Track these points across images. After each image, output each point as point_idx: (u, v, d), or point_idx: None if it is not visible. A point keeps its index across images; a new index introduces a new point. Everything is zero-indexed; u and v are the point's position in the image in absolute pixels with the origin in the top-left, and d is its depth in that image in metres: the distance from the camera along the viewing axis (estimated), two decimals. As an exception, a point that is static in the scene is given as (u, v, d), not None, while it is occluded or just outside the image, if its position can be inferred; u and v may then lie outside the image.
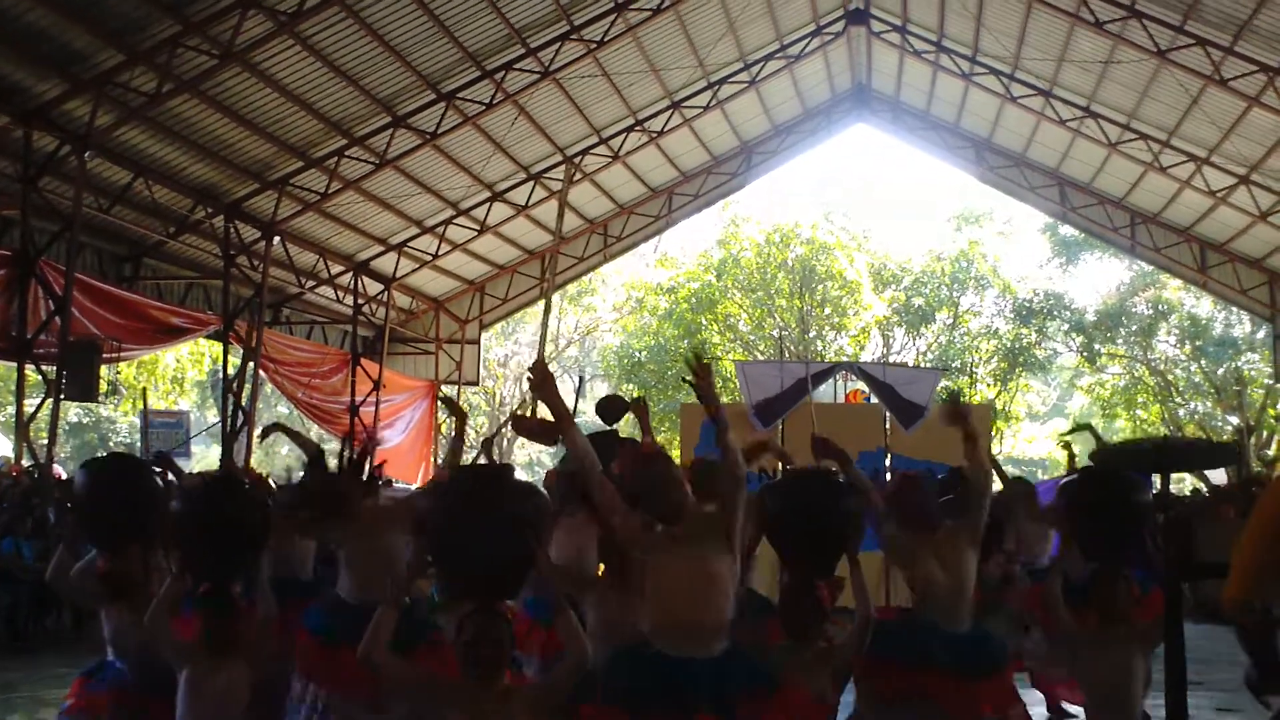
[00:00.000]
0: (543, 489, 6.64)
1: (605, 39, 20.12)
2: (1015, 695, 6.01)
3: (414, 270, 25.88)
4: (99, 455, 9.37)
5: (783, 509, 5.85)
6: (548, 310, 7.65)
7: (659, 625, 4.68)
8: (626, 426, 10.52)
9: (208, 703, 5.45)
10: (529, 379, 4.98)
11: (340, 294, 24.65)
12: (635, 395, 6.67)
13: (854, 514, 5.82)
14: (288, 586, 6.96)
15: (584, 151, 24.29)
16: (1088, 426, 11.27)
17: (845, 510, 5.78)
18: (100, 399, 18.65)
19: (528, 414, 7.91)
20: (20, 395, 16.18)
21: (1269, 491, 3.54)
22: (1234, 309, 32.67)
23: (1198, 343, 35.49)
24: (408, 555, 5.82)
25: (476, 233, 25.24)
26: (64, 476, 16.75)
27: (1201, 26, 18.25)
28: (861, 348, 36.05)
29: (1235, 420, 34.99)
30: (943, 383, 29.03)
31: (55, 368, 15.78)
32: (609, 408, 7.98)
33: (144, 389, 21.40)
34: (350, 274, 24.42)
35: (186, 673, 5.47)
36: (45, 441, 16.49)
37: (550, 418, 5.22)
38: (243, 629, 5.60)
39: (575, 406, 8.23)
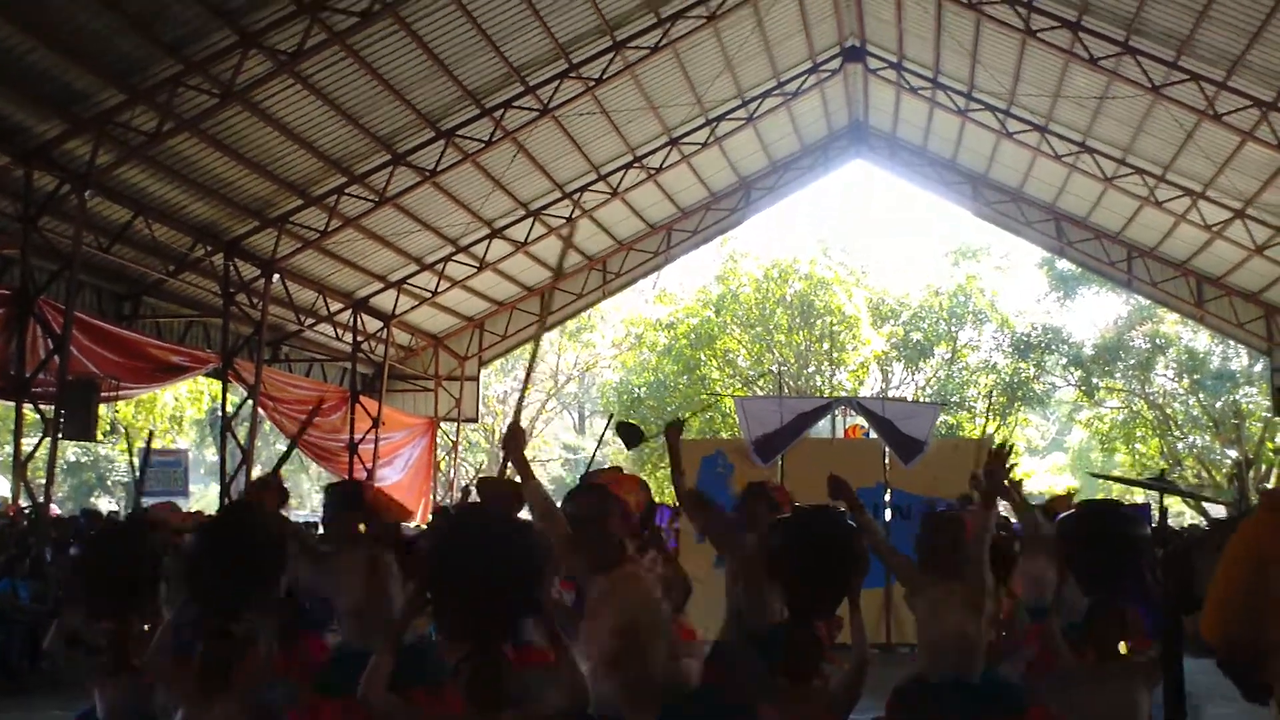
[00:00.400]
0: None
1: (604, 76, 20.20)
2: None
3: (413, 307, 25.91)
4: (95, 512, 9.40)
5: (790, 546, 5.84)
6: (530, 370, 7.70)
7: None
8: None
9: None
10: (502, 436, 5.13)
11: (339, 331, 24.68)
12: (674, 420, 6.55)
13: (861, 557, 5.82)
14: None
15: (583, 188, 24.37)
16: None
17: (854, 552, 5.78)
18: (99, 438, 18.65)
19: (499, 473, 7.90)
20: (18, 434, 16.15)
21: (1239, 530, 3.55)
22: (1231, 342, 32.75)
23: (1195, 376, 35.54)
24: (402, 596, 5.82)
25: (476, 269, 25.29)
26: (59, 514, 16.73)
27: (1195, 62, 18.34)
28: (860, 383, 36.08)
29: (1234, 453, 34.99)
30: (941, 417, 29.03)
31: (53, 407, 15.77)
32: (627, 434, 7.97)
33: (150, 433, 21.33)
34: (349, 311, 24.45)
35: (181, 713, 5.41)
36: (43, 481, 16.46)
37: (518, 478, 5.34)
38: (239, 666, 5.47)
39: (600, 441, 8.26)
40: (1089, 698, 5.90)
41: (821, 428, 21.11)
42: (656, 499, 7.65)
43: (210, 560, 5.62)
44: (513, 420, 5.45)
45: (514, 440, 5.41)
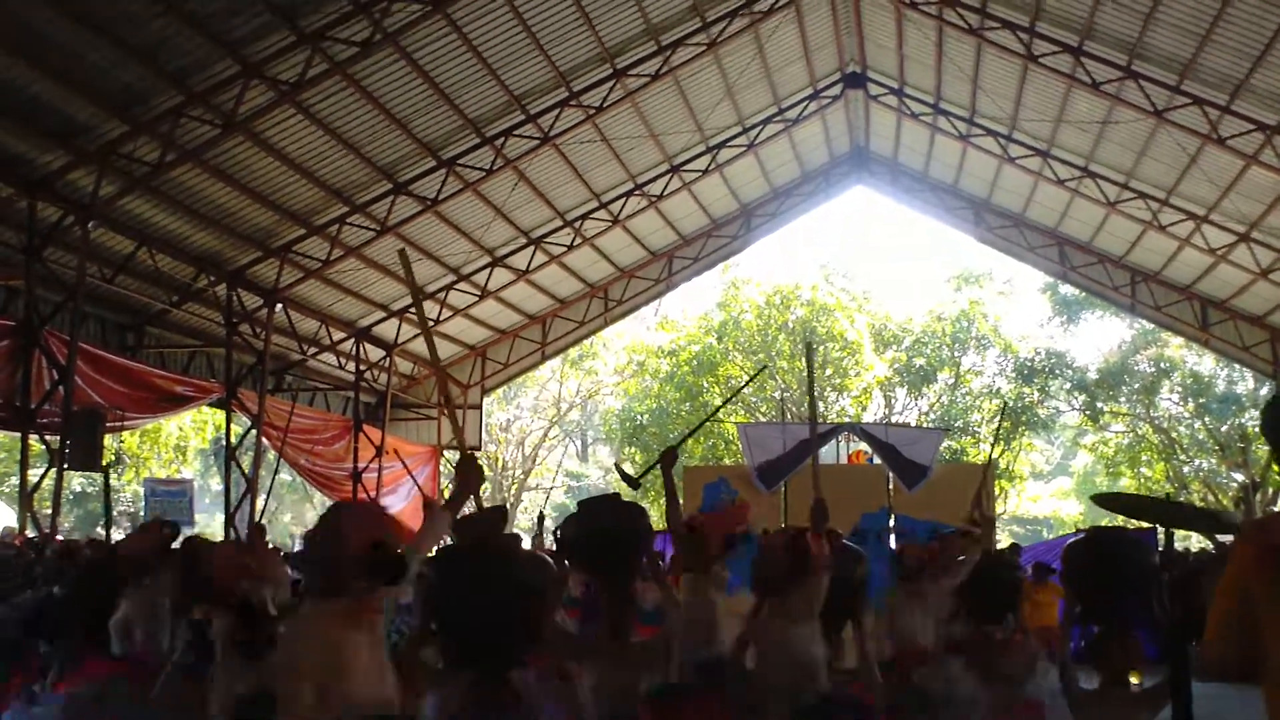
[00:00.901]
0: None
1: (604, 104, 20.26)
2: None
3: (415, 336, 25.92)
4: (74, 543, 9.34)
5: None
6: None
7: None
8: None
9: None
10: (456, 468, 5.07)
11: (342, 360, 24.68)
12: (668, 448, 6.56)
13: (862, 581, 5.82)
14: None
15: (584, 216, 24.41)
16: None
17: (853, 577, 5.78)
18: (104, 468, 18.58)
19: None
20: (24, 465, 16.15)
21: (1233, 549, 3.54)
22: (1236, 366, 32.66)
23: (1201, 400, 35.46)
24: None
25: (477, 298, 25.30)
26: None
27: (1198, 86, 18.37)
28: (864, 408, 36.04)
29: (1240, 477, 34.90)
30: (945, 442, 28.98)
31: (59, 437, 15.76)
32: (626, 479, 7.99)
33: (107, 467, 21.25)
34: (352, 340, 24.45)
35: None
36: (49, 511, 16.44)
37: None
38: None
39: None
40: None
41: (825, 453, 21.09)
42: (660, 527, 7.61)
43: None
44: (467, 454, 5.25)
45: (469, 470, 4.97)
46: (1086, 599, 6.38)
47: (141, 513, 27.05)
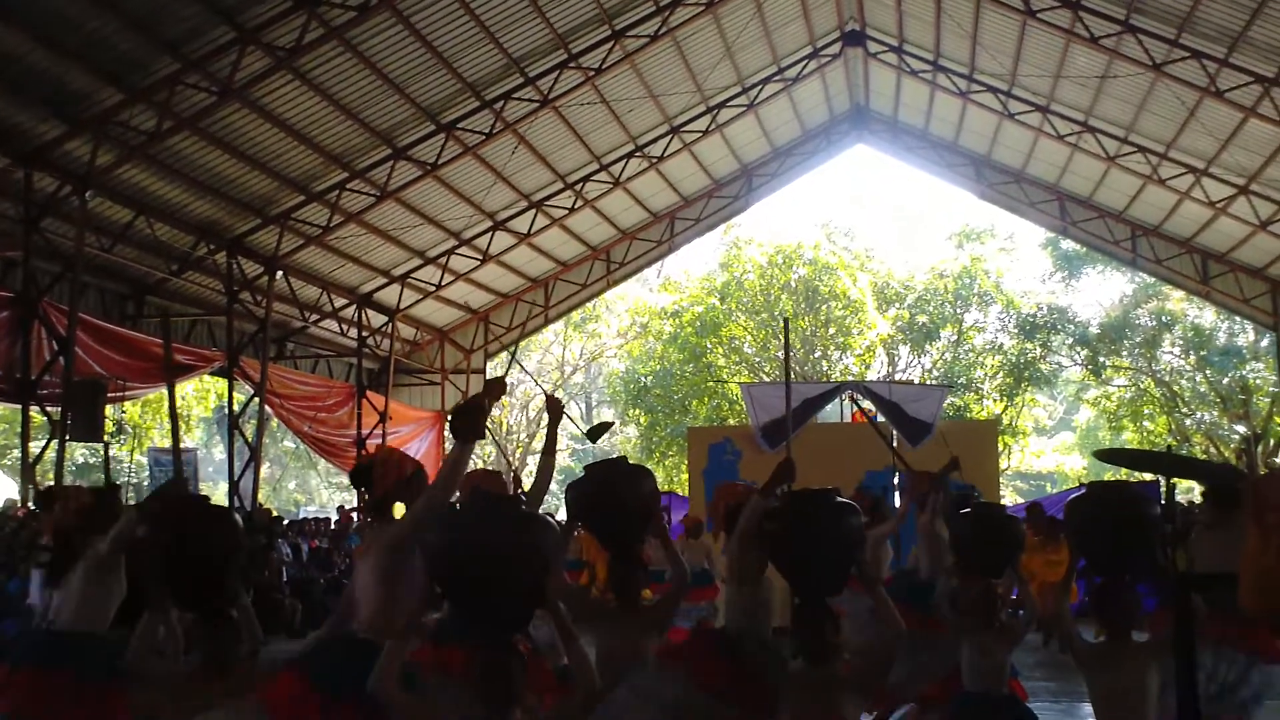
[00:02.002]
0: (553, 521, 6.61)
1: (603, 66, 20.19)
2: None
3: (417, 301, 25.93)
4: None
5: (786, 531, 5.82)
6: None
7: None
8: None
9: None
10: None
11: (344, 327, 24.67)
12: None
13: (859, 532, 5.81)
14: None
15: (585, 178, 24.37)
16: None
17: (850, 528, 5.76)
18: (105, 439, 18.61)
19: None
20: (25, 437, 16.18)
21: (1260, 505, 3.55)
22: (1237, 318, 32.67)
23: (1202, 353, 35.45)
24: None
25: (479, 262, 25.28)
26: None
27: (1196, 39, 18.29)
28: (867, 366, 36.04)
29: (1242, 429, 34.92)
30: (948, 399, 28.99)
31: (60, 408, 15.78)
32: (595, 432, 8.01)
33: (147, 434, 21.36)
34: (354, 307, 24.44)
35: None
36: (51, 482, 16.47)
37: None
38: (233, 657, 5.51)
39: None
40: (1100, 678, 5.91)
41: (829, 412, 21.10)
42: (665, 488, 7.67)
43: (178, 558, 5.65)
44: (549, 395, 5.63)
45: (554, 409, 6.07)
46: (1090, 553, 6.40)
47: (145, 483, 27.12)
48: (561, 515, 8.52)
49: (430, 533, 4.96)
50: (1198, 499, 27.34)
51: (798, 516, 5.78)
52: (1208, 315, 35.62)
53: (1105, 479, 7.57)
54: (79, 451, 36.98)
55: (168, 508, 6.07)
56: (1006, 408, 35.64)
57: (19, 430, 16.83)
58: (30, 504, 16.40)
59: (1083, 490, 7.13)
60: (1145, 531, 6.43)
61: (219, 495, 34.42)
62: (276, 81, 16.64)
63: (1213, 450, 35.54)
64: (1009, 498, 37.17)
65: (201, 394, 33.68)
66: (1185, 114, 20.48)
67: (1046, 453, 44.90)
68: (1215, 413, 36.47)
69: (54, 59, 14.16)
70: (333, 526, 22.24)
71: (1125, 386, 37.67)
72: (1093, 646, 6.05)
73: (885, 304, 36.59)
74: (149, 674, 5.62)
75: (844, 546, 5.62)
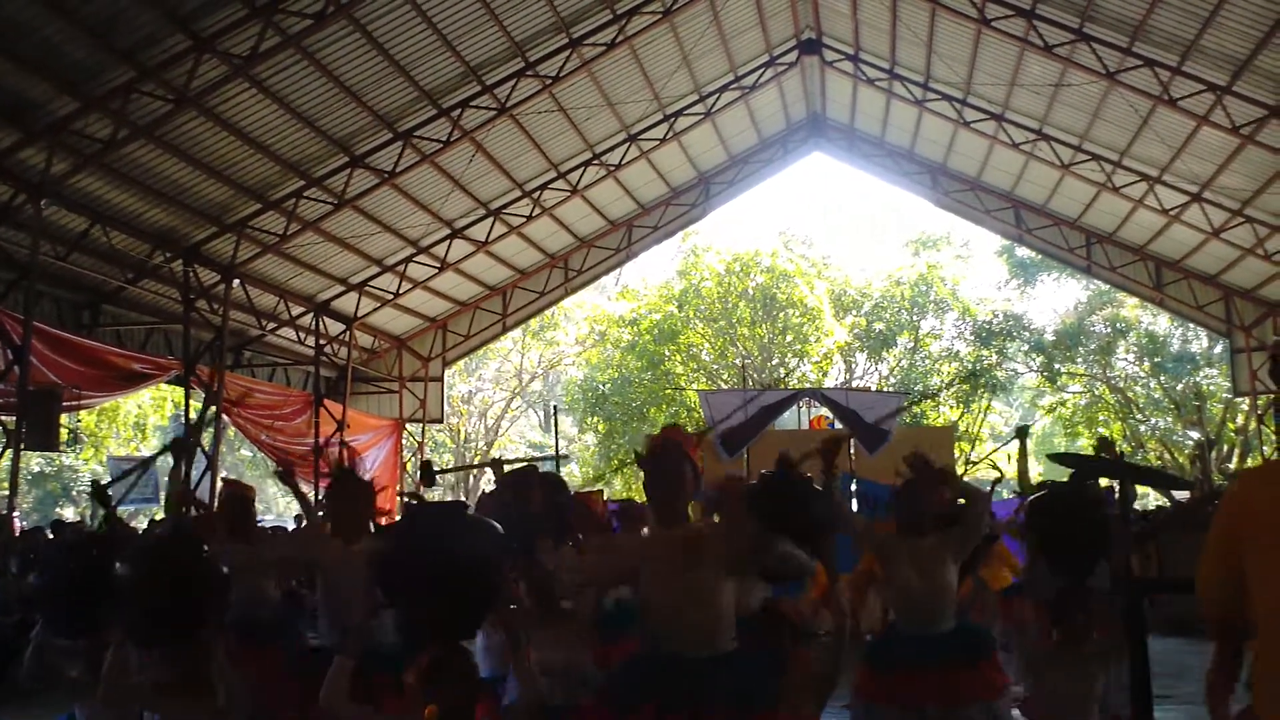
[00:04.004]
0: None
1: (560, 74, 20.20)
2: (1003, 679, 6.14)
3: (375, 309, 25.83)
4: (63, 522, 9.47)
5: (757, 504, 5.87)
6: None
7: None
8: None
9: None
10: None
11: (302, 335, 24.56)
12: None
13: (824, 516, 5.86)
14: (252, 625, 6.97)
15: (542, 186, 24.36)
16: (1023, 431, 11.34)
17: (814, 512, 5.82)
18: (61, 448, 18.49)
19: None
20: (-14, 446, 16.05)
21: (1221, 505, 3.61)
22: (1191, 325, 33.01)
23: (1156, 359, 35.83)
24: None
25: (437, 270, 25.22)
26: (23, 527, 16.58)
27: (1149, 48, 18.47)
28: (824, 374, 36.15)
29: (1196, 435, 35.28)
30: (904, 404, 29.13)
31: (14, 418, 15.65)
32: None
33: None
34: (311, 315, 24.33)
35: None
36: (6, 493, 16.34)
37: None
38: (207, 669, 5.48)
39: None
40: (1052, 679, 5.98)
41: (786, 419, 21.16)
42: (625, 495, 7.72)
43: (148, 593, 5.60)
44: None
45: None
46: (1049, 553, 6.49)
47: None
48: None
49: (381, 541, 4.96)
50: (1152, 505, 27.55)
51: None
52: (1161, 322, 36.00)
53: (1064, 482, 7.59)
54: (34, 461, 36.71)
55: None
56: (963, 414, 35.87)
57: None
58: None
59: (1044, 492, 7.20)
60: (1104, 533, 6.52)
61: (175, 505, 34.18)
62: (233, 89, 16.55)
63: (1167, 456, 35.88)
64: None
65: (158, 403, 33.45)
66: (1138, 122, 20.68)
67: (1002, 459, 45.15)
68: (1169, 419, 36.86)
69: (8, 67, 14.02)
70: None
71: (1080, 393, 38.02)
72: (1044, 652, 6.12)
73: (842, 311, 36.75)
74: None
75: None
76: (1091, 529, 6.48)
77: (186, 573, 5.57)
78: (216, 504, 7.41)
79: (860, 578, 7.42)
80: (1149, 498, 33.88)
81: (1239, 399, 30.55)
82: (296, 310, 23.85)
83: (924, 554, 6.25)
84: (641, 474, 5.02)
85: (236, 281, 21.06)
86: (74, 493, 43.29)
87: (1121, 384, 37.11)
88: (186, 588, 5.54)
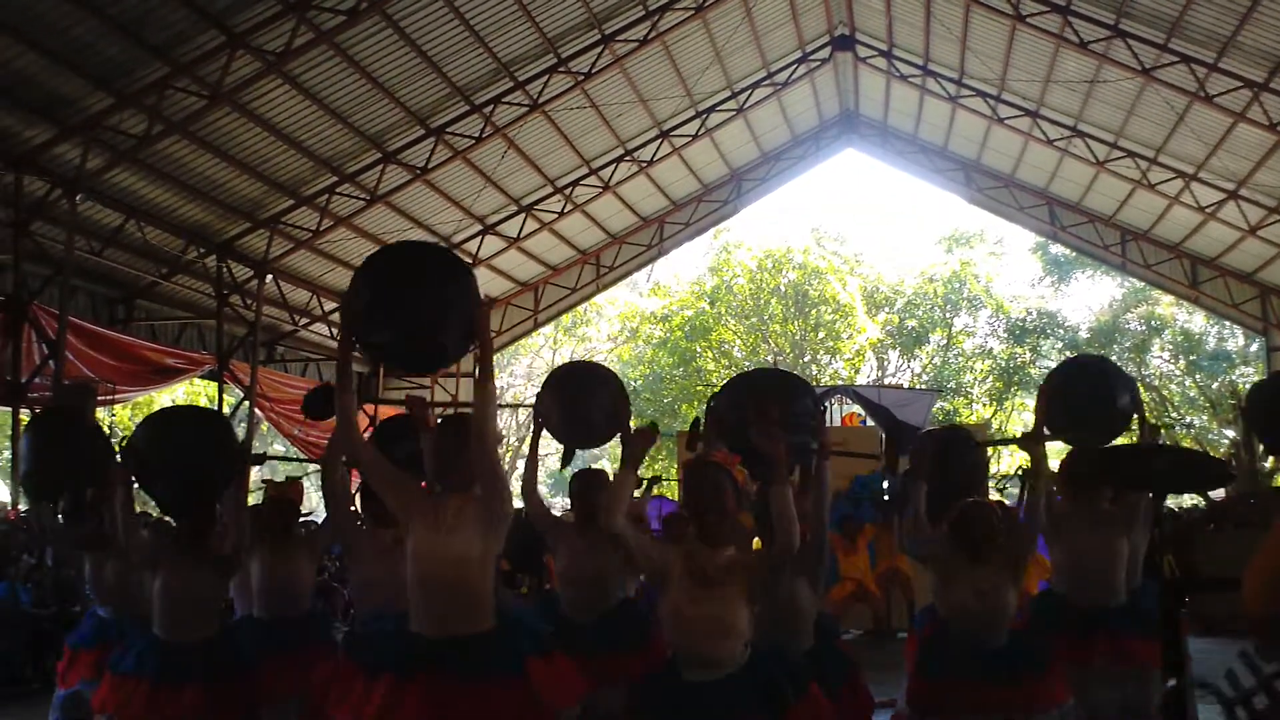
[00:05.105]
0: None
1: (593, 70, 20.19)
2: (1061, 693, 6.09)
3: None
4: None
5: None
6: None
7: None
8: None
9: (180, 600, 6.12)
10: None
11: (334, 331, 24.61)
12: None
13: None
14: (285, 624, 6.98)
15: (574, 182, 24.36)
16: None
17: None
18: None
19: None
20: (15, 440, 16.12)
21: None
22: (1227, 323, 32.77)
23: (1192, 358, 35.61)
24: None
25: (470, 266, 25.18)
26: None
27: (1185, 44, 18.32)
28: (856, 371, 36.10)
29: (1231, 434, 35.01)
30: (938, 404, 29.05)
31: (50, 412, 15.73)
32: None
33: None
34: (344, 311, 24.32)
35: (161, 577, 6.15)
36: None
37: None
38: (212, 538, 6.40)
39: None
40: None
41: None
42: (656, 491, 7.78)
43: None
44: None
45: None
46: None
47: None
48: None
49: None
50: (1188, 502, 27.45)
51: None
52: (1197, 320, 35.77)
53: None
54: (68, 455, 36.90)
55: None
56: (996, 412, 35.72)
57: (9, 433, 16.78)
58: (20, 507, 16.41)
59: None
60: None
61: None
62: (266, 86, 16.61)
63: (1202, 455, 35.60)
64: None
65: (192, 397, 33.59)
66: (1174, 119, 20.52)
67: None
68: (1205, 417, 36.58)
69: (43, 64, 14.11)
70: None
71: (1115, 391, 37.76)
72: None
73: (875, 308, 36.68)
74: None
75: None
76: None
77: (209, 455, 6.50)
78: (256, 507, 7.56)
79: (884, 577, 7.51)
80: (1182, 496, 33.69)
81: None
82: (329, 306, 23.91)
83: (983, 580, 6.21)
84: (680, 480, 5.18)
85: (270, 277, 21.15)
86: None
87: (1157, 382, 36.87)
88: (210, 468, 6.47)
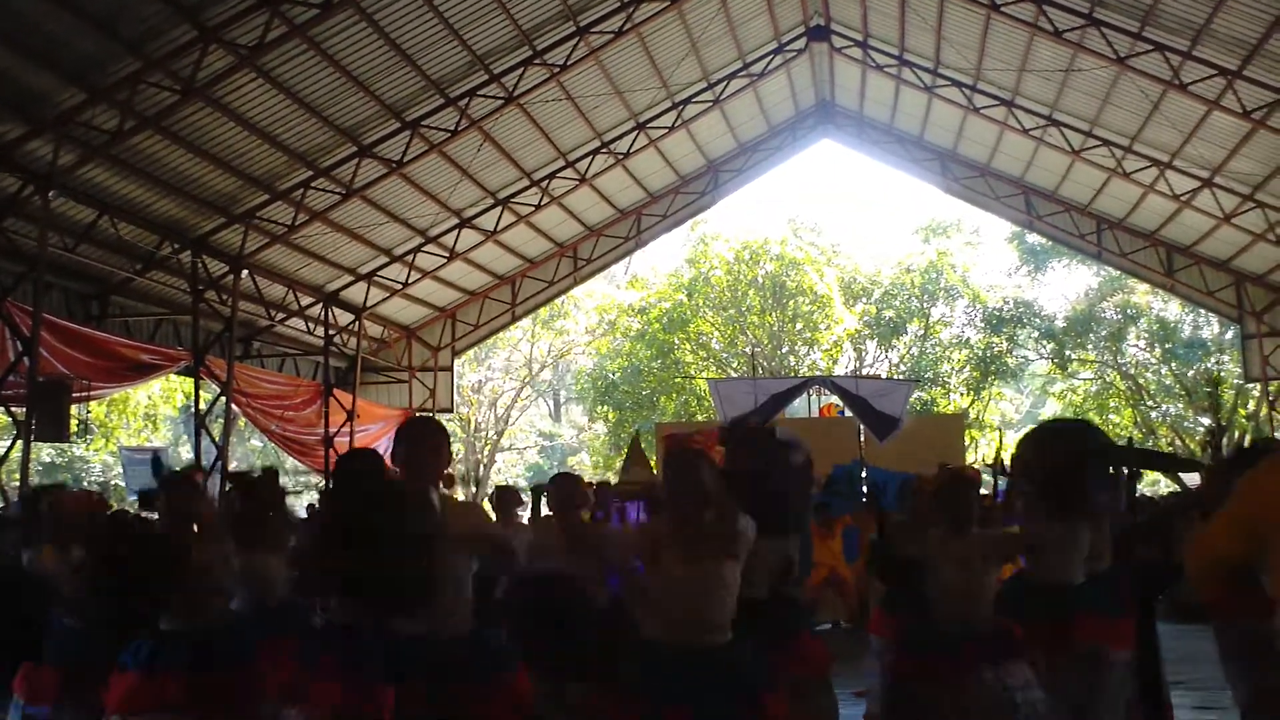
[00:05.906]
0: None
1: (568, 63, 20.14)
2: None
3: (384, 299, 25.83)
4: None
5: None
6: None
7: None
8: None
9: None
10: None
11: (311, 325, 24.55)
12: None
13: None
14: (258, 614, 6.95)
15: (551, 175, 24.31)
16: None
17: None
18: (71, 439, 18.50)
19: None
20: (-11, 436, 16.09)
21: (1241, 490, 3.57)
22: (1202, 311, 32.90)
23: (1167, 345, 35.73)
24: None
25: (446, 260, 25.19)
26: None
27: (1159, 32, 18.38)
28: (834, 361, 36.13)
29: (1207, 421, 35.17)
30: (915, 394, 29.13)
31: (25, 409, 15.67)
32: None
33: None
34: (320, 305, 24.31)
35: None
36: (17, 483, 16.36)
37: None
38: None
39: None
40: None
41: (796, 407, 21.14)
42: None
43: None
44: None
45: None
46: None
47: (118, 481, 26.93)
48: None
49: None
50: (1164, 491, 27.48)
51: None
52: (1172, 308, 35.90)
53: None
54: (45, 452, 36.78)
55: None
56: (973, 401, 35.82)
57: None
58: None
59: None
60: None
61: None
62: (239, 80, 16.53)
63: (1178, 443, 35.80)
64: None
65: (168, 393, 33.48)
66: (1149, 107, 20.60)
67: (1013, 447, 45.13)
68: (1180, 405, 36.75)
69: (14, 59, 14.03)
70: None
71: (1091, 380, 37.93)
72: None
73: (852, 299, 36.71)
74: None
75: None
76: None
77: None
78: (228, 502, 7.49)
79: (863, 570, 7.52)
80: (1159, 484, 33.83)
81: (1250, 384, 30.47)
82: (305, 300, 23.86)
83: (967, 555, 6.23)
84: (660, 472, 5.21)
85: (245, 272, 21.08)
86: (85, 483, 43.38)
87: (1132, 370, 37.01)
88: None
